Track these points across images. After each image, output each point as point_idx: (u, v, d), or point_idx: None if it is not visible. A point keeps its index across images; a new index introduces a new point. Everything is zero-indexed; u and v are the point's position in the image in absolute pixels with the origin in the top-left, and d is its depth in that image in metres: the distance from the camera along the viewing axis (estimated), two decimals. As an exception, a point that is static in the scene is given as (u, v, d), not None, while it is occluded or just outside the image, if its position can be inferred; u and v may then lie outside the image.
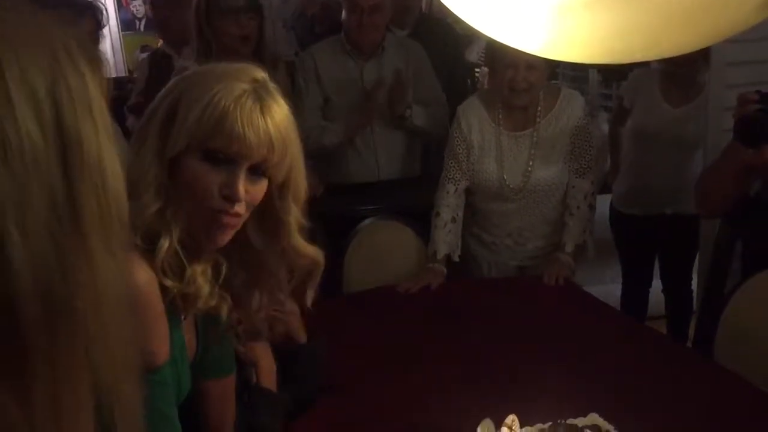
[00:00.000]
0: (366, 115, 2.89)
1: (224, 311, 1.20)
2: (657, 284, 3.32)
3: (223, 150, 1.10)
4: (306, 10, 6.18)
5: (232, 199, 1.11)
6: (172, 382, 1.12)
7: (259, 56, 2.39)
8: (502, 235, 2.65)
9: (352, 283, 2.69)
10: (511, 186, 2.54)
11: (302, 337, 1.79)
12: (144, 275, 1.00)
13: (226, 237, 1.13)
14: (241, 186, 1.11)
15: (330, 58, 2.96)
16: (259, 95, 1.12)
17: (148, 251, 1.04)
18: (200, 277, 1.11)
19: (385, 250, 2.74)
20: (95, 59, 0.60)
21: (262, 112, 1.11)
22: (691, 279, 3.23)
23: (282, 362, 1.74)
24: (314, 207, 2.92)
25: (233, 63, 1.18)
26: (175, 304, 1.12)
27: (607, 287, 3.57)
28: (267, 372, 1.68)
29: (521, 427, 1.44)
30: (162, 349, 1.04)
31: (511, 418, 1.45)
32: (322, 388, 1.79)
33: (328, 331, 2.10)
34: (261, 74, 1.15)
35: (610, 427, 1.44)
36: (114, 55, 6.84)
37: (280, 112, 1.14)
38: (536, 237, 2.64)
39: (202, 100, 1.08)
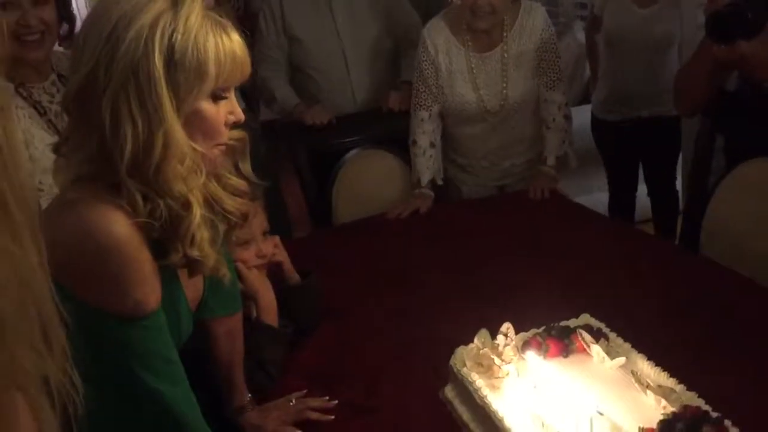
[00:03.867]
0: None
1: (226, 274, 1.22)
2: (643, 189, 3.37)
3: (231, 83, 1.12)
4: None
5: (238, 124, 1.15)
6: (171, 326, 1.15)
7: None
8: (477, 157, 2.67)
9: (342, 215, 2.72)
10: (488, 108, 2.54)
11: (294, 276, 1.83)
12: (122, 229, 1.02)
13: None
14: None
15: None
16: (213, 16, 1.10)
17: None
18: (207, 244, 1.11)
19: (371, 180, 2.76)
20: None
21: (233, 36, 1.10)
22: (675, 179, 3.28)
23: (279, 301, 1.78)
24: (297, 142, 2.94)
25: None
26: (175, 271, 1.14)
27: (595, 196, 3.61)
28: (267, 307, 1.72)
29: (516, 333, 1.49)
30: (150, 297, 1.07)
31: (506, 326, 1.49)
32: (320, 318, 1.84)
33: (321, 262, 2.15)
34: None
35: (602, 325, 1.49)
36: (80, 15, 6.65)
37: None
38: (511, 155, 2.67)
39: (205, 43, 1.05)
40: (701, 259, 2.01)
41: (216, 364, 1.49)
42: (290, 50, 2.94)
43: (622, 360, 1.36)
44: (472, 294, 1.89)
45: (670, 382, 1.28)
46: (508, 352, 1.42)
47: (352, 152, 2.77)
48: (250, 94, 2.94)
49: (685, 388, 1.26)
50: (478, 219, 2.42)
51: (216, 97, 1.10)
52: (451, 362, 1.47)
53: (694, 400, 1.22)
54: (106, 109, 1.01)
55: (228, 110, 1.13)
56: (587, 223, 2.34)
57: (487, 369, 1.40)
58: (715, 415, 1.18)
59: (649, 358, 1.36)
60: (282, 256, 1.83)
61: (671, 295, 1.76)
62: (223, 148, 1.15)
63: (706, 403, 1.22)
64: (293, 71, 2.99)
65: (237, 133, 1.18)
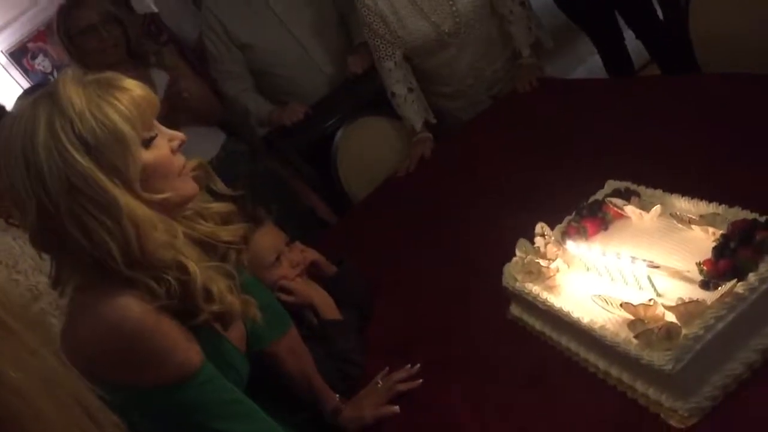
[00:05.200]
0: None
1: (256, 314, 1.23)
2: (630, 33, 3.26)
3: (150, 123, 1.11)
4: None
5: (182, 144, 1.14)
6: (228, 375, 1.17)
7: (134, 56, 2.43)
8: (459, 79, 2.64)
9: (359, 193, 2.72)
10: (447, 31, 2.50)
11: (330, 267, 1.86)
12: (134, 310, 1.03)
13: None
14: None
15: (227, 4, 2.86)
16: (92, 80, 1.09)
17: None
18: (227, 293, 1.12)
19: (370, 149, 2.76)
20: None
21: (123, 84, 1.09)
22: (656, 11, 3.17)
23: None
24: (287, 147, 2.93)
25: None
26: (210, 325, 1.14)
27: (590, 62, 3.54)
28: (325, 305, 1.76)
29: (552, 228, 1.48)
30: (191, 354, 1.09)
31: (540, 227, 1.49)
32: (373, 295, 1.86)
33: (356, 245, 2.17)
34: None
35: (628, 184, 1.46)
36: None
37: None
38: (490, 62, 2.62)
39: (104, 112, 1.04)
40: (704, 76, 1.94)
41: (294, 382, 1.51)
42: (246, 58, 2.93)
43: (658, 208, 1.34)
44: (501, 211, 1.87)
45: (711, 208, 1.25)
46: (551, 249, 1.41)
47: (340, 132, 2.75)
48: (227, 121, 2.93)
49: (727, 207, 1.23)
50: (481, 136, 2.40)
51: (147, 142, 1.09)
52: (504, 282, 1.47)
53: (739, 214, 1.20)
54: (74, 230, 1.01)
55: (167, 140, 1.12)
56: (583, 93, 2.29)
57: (537, 274, 1.39)
58: (764, 218, 1.15)
59: (685, 195, 1.34)
60: (312, 254, 1.86)
61: (686, 124, 1.70)
62: (189, 173, 1.15)
63: (752, 212, 1.19)
64: (257, 77, 2.97)
65: (193, 163, 1.18)
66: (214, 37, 2.87)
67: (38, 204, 1.02)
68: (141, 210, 1.04)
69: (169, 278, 1.05)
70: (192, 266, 1.07)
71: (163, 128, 1.13)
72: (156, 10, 5.07)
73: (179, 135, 1.14)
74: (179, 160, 1.14)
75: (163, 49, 2.91)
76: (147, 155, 1.08)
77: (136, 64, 2.46)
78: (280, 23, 2.87)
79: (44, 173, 1.01)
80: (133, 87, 1.09)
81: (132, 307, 1.03)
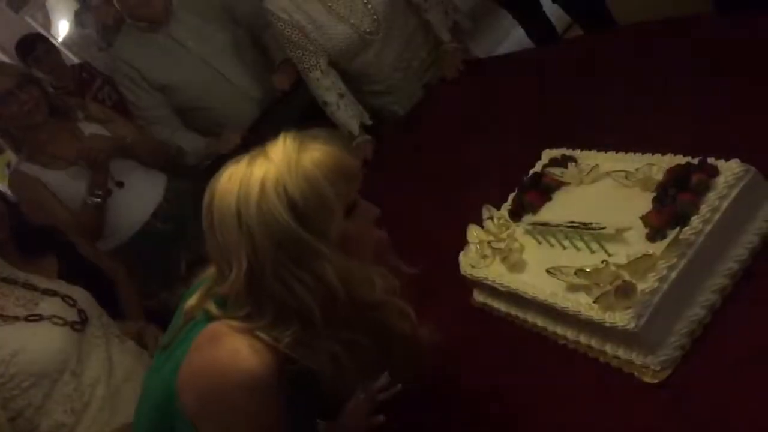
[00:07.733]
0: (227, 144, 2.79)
1: None
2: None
3: (353, 191, 1.07)
4: (105, 23, 5.89)
5: (378, 218, 1.12)
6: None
7: (57, 113, 2.38)
8: (388, 74, 2.61)
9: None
10: (367, 30, 2.48)
11: None
12: (256, 365, 1.00)
13: None
14: None
15: (138, 49, 2.79)
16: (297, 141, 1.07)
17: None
18: None
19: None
20: None
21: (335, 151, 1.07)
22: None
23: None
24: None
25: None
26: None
27: (515, 35, 3.55)
28: None
29: (498, 209, 1.48)
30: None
31: (486, 209, 1.49)
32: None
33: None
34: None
35: (563, 151, 1.46)
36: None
37: None
38: (414, 53, 2.61)
39: (313, 177, 1.01)
40: (617, 30, 1.96)
41: None
42: (168, 98, 2.86)
43: (595, 169, 1.34)
44: (450, 199, 1.86)
45: (645, 159, 1.26)
46: (501, 230, 1.41)
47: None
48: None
49: (660, 155, 1.24)
50: (418, 129, 2.40)
51: (349, 211, 1.06)
52: (462, 272, 1.46)
53: (672, 160, 1.20)
54: (278, 291, 1.00)
55: (364, 212, 1.09)
56: (509, 67, 2.29)
57: (492, 258, 1.38)
58: (696, 160, 1.15)
59: (618, 150, 1.34)
60: None
61: (608, 81, 1.71)
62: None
63: (684, 156, 1.19)
64: (185, 114, 2.91)
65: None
66: (131, 85, 2.81)
67: (248, 264, 1.00)
68: (350, 264, 1.03)
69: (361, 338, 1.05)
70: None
71: (362, 200, 1.10)
72: (77, 60, 4.99)
73: (375, 208, 1.11)
74: (379, 233, 1.11)
75: (89, 102, 2.86)
76: (345, 225, 1.04)
77: (61, 120, 2.42)
78: (194, 57, 2.81)
79: (254, 232, 0.99)
80: (328, 152, 1.05)
81: (258, 362, 1.00)
